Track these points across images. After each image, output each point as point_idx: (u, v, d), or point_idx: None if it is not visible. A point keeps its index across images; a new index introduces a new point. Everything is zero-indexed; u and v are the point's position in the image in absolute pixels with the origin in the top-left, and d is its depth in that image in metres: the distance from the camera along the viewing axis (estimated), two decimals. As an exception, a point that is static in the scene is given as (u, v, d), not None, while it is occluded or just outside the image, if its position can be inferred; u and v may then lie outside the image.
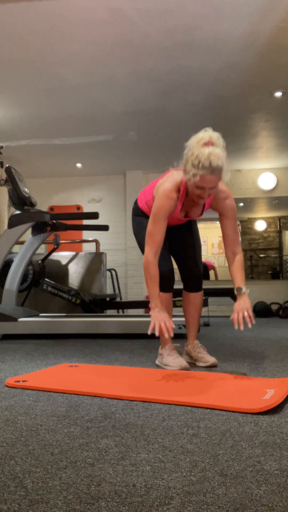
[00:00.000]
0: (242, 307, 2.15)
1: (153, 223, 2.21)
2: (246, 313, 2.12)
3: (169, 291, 2.49)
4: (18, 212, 4.14)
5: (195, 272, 2.58)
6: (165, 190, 2.21)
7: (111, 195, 7.95)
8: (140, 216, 2.56)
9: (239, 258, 2.29)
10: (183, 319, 3.83)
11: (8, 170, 4.09)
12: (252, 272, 7.78)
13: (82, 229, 5.05)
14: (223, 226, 2.32)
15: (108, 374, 2.24)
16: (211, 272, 7.77)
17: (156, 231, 2.20)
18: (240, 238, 2.44)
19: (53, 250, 4.99)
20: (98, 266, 5.69)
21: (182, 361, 2.37)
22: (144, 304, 5.33)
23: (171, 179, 2.25)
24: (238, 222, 7.85)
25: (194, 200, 2.22)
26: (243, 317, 2.12)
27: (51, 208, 7.92)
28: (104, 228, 4.72)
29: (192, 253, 2.57)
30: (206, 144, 2.02)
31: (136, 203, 2.59)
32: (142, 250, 2.52)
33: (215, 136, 2.06)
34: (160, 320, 2.06)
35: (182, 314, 3.74)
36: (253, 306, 7.34)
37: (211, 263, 7.73)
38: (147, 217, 2.50)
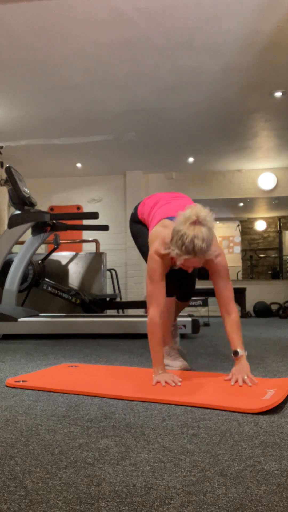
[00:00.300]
0: (241, 372, 2.00)
1: (153, 284, 2.14)
2: (246, 378, 1.95)
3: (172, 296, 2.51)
4: (18, 212, 4.14)
5: (188, 288, 2.63)
6: (157, 251, 2.14)
7: (111, 195, 7.95)
8: (138, 223, 2.59)
9: (234, 317, 2.14)
10: (184, 319, 3.84)
11: (8, 170, 4.10)
12: (252, 272, 7.78)
13: (82, 229, 5.05)
14: (215, 284, 2.20)
15: (108, 374, 2.24)
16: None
17: (157, 292, 2.13)
18: (232, 295, 2.30)
19: (53, 250, 4.99)
20: (98, 266, 5.69)
21: (182, 362, 2.37)
22: (144, 304, 5.33)
23: (160, 240, 2.15)
24: (238, 222, 7.89)
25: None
26: (243, 381, 1.95)
27: (51, 208, 7.92)
28: (104, 228, 4.72)
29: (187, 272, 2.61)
30: (193, 223, 1.91)
31: (136, 211, 2.60)
32: (142, 253, 2.54)
33: (202, 214, 1.93)
34: (165, 379, 1.98)
35: (185, 314, 3.79)
36: (253, 306, 7.34)
37: None
38: (144, 225, 2.54)
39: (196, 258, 1.96)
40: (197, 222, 1.92)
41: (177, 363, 2.34)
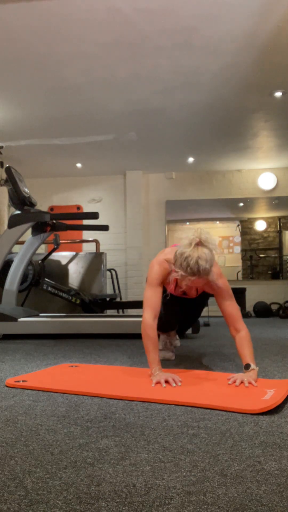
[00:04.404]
0: (243, 376, 1.96)
1: (149, 288, 2.23)
2: (245, 380, 1.92)
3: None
4: (18, 212, 4.14)
5: (187, 323, 2.85)
6: (158, 259, 2.26)
7: (111, 195, 7.95)
8: None
9: (243, 334, 2.15)
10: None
11: (8, 170, 4.09)
12: (252, 272, 7.78)
13: (82, 229, 5.05)
14: (220, 306, 2.24)
15: (108, 374, 2.24)
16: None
17: (151, 295, 2.21)
18: (239, 314, 2.32)
19: (53, 250, 4.99)
20: (98, 266, 5.69)
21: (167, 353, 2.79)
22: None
23: (163, 254, 2.27)
24: (238, 222, 7.88)
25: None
26: (242, 382, 1.92)
27: (51, 208, 7.92)
28: (104, 228, 4.72)
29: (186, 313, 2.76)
30: (196, 244, 2.00)
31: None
32: None
33: (204, 236, 2.02)
34: (165, 378, 1.97)
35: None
36: (253, 306, 7.34)
37: None
38: None
39: (200, 279, 2.02)
40: (199, 243, 2.00)
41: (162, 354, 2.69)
